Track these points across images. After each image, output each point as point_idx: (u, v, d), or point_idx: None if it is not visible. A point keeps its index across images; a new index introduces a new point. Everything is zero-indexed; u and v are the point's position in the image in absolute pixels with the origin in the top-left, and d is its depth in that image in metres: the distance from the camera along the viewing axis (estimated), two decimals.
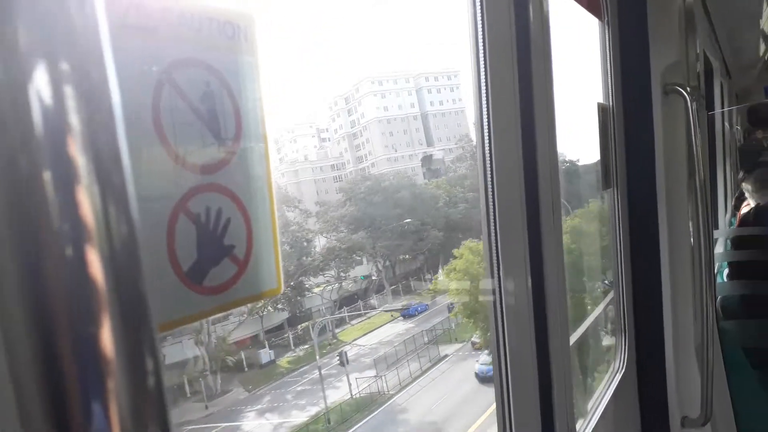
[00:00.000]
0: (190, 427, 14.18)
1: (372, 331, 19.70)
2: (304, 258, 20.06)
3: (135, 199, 0.24)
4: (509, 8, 1.25)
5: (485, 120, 1.22)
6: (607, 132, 1.98)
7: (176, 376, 14.86)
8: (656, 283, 2.13)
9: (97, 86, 0.23)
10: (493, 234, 1.25)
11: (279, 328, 18.68)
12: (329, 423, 15.35)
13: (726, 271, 3.59)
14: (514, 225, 1.28)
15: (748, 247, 3.42)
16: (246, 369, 17.26)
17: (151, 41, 0.50)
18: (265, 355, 17.89)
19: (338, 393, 16.31)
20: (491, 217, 1.24)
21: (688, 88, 2.04)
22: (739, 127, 5.91)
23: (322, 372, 16.86)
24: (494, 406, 1.40)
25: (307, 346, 18.27)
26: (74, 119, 0.22)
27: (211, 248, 0.56)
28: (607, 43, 2.01)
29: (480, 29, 1.21)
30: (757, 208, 3.58)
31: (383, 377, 16.77)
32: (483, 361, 15.96)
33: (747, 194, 3.88)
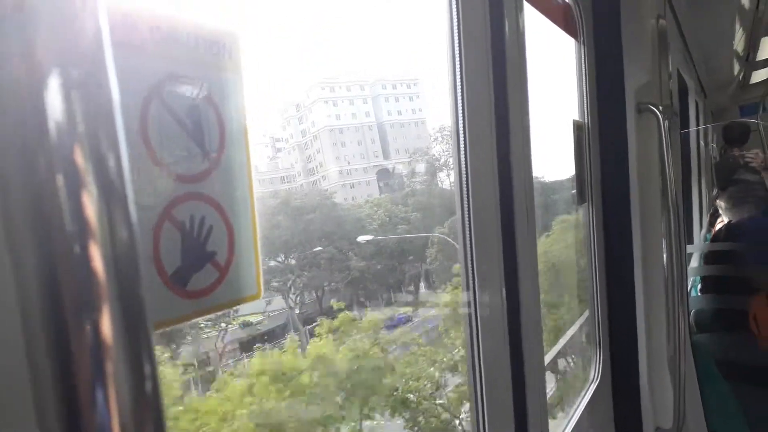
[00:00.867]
0: None
1: None
2: None
3: (134, 204, 0.27)
4: (485, 23, 1.28)
5: (461, 135, 1.25)
6: (582, 148, 2.03)
7: None
8: (630, 296, 2.17)
9: (103, 98, 0.27)
10: (468, 247, 1.28)
11: None
12: None
13: (699, 286, 3.67)
14: (489, 238, 1.31)
15: (721, 262, 3.50)
16: None
17: (140, 58, 0.53)
18: None
19: None
20: (467, 231, 1.27)
21: (661, 107, 2.10)
22: (714, 145, 6.05)
23: None
24: None
25: None
26: (81, 127, 0.25)
27: (194, 254, 0.59)
28: (583, 62, 2.07)
29: (456, 44, 1.24)
30: (729, 224, 3.68)
31: None
32: None
33: (721, 211, 3.99)
